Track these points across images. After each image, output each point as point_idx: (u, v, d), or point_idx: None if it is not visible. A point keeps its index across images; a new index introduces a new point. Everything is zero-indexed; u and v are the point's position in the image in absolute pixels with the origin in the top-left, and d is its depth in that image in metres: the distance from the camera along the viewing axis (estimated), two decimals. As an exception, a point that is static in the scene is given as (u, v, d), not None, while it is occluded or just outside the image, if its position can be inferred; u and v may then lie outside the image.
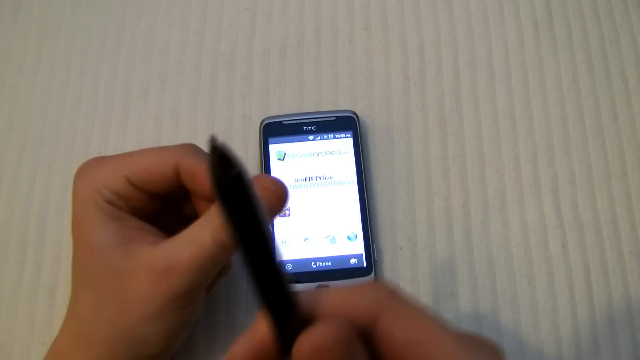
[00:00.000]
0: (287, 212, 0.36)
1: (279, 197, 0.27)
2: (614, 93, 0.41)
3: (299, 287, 0.35)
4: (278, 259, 0.18)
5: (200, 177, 0.29)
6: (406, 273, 0.37)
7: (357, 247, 0.36)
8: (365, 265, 0.35)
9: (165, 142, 0.40)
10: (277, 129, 0.38)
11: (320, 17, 0.43)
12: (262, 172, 0.38)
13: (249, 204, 0.16)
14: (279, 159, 0.38)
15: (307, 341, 0.18)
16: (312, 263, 0.36)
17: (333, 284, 0.35)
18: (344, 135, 0.38)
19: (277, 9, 0.43)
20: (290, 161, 0.37)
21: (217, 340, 0.35)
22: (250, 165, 0.39)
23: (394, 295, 0.20)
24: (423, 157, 0.40)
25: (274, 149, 0.38)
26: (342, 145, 0.38)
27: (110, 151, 0.40)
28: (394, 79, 0.42)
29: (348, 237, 0.36)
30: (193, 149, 0.30)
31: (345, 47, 0.42)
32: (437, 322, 0.19)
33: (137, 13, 0.44)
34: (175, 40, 0.43)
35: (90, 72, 0.42)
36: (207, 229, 0.27)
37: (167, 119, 0.41)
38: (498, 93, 0.41)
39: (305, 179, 0.37)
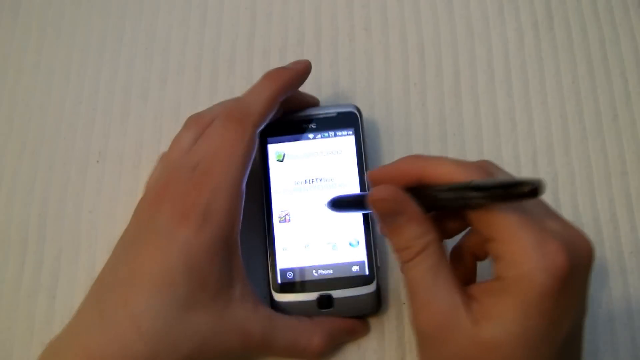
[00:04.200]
0: (287, 217, 0.35)
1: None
2: (614, 93, 0.41)
3: (299, 297, 0.34)
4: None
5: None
6: (406, 273, 0.37)
7: (359, 254, 0.35)
8: (367, 273, 0.34)
9: (165, 142, 0.40)
10: (275, 128, 0.37)
11: (320, 17, 0.43)
12: (261, 174, 0.36)
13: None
14: (278, 160, 0.36)
15: (371, 193, 0.28)
16: (314, 271, 0.34)
17: (335, 293, 0.34)
18: (345, 133, 0.36)
19: (277, 9, 0.43)
20: (290, 162, 0.36)
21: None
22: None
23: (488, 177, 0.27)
24: (423, 157, 0.40)
25: (273, 149, 0.36)
26: (343, 144, 0.36)
27: (110, 151, 0.40)
28: (394, 79, 0.42)
29: (350, 244, 0.35)
30: None
31: (345, 47, 0.42)
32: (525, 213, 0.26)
33: (137, 13, 0.44)
34: (175, 40, 0.43)
35: (90, 72, 0.42)
36: (304, 342, 0.32)
37: (167, 119, 0.41)
38: (498, 93, 0.41)
39: (306, 182, 0.36)
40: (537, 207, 0.27)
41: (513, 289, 0.24)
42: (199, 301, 0.29)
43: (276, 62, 0.42)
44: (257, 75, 0.42)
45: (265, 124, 0.33)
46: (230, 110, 0.32)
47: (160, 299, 0.28)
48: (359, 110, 0.37)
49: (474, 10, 0.43)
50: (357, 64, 0.42)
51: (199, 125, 0.33)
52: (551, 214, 0.27)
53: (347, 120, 0.37)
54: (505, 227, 0.25)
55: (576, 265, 0.24)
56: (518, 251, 0.24)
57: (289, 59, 0.42)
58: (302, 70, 0.35)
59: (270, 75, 0.34)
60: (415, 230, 0.27)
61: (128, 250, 0.30)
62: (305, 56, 0.42)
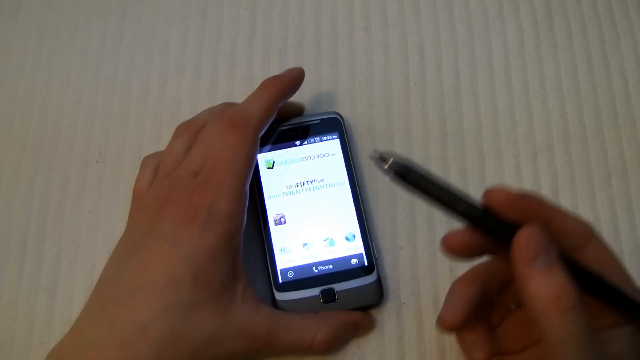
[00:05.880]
0: (282, 219, 0.36)
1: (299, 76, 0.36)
2: (614, 93, 0.41)
3: (302, 293, 0.34)
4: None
5: None
6: (406, 273, 0.37)
7: (356, 247, 0.36)
8: (367, 263, 0.35)
9: (165, 142, 0.40)
10: (263, 138, 0.36)
11: (320, 17, 0.43)
12: (252, 181, 0.36)
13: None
14: (268, 168, 0.37)
15: (526, 231, 0.25)
16: (314, 268, 0.35)
17: (337, 286, 0.34)
18: (330, 137, 0.38)
19: (277, 9, 0.43)
20: (280, 168, 0.37)
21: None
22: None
23: (597, 233, 0.27)
24: (423, 157, 0.40)
25: (262, 157, 0.37)
26: (330, 147, 0.38)
27: (111, 151, 0.40)
28: (394, 79, 0.42)
29: (346, 238, 0.36)
30: None
31: (345, 47, 0.42)
32: (622, 265, 0.27)
33: (137, 13, 0.44)
34: (175, 40, 0.43)
35: (90, 72, 0.42)
36: (310, 336, 0.32)
37: (167, 119, 0.41)
38: (498, 93, 0.41)
39: (297, 185, 0.37)
40: None
41: None
42: (202, 301, 0.29)
43: (276, 62, 0.42)
44: (257, 75, 0.42)
45: (265, 129, 0.34)
46: (231, 116, 0.33)
47: (164, 301, 0.28)
48: (340, 115, 0.39)
49: (474, 10, 0.43)
50: (357, 64, 0.42)
51: (190, 132, 0.34)
52: None
53: (331, 125, 0.38)
54: None
55: None
56: None
57: (289, 58, 0.42)
58: (297, 77, 0.36)
59: (266, 83, 0.35)
60: (565, 270, 0.24)
61: (130, 259, 0.30)
62: (305, 56, 0.42)
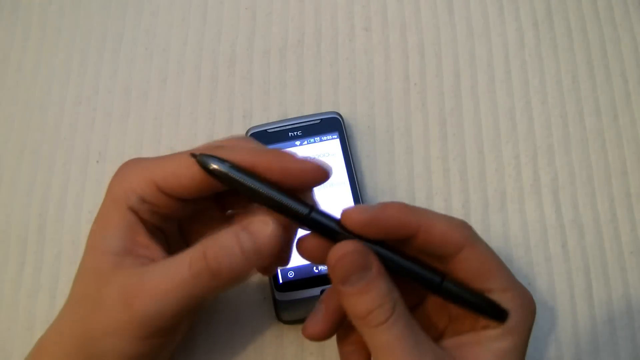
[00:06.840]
0: None
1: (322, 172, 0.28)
2: (614, 93, 0.41)
3: (303, 293, 0.34)
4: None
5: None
6: (406, 273, 0.37)
7: None
8: None
9: (165, 142, 0.40)
10: (263, 138, 0.37)
11: (320, 17, 0.43)
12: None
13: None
14: None
15: (337, 250, 0.25)
16: (314, 268, 0.35)
17: None
18: (330, 137, 0.38)
19: (277, 9, 0.43)
20: None
21: (218, 341, 0.35)
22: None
23: (476, 236, 0.27)
24: (423, 157, 0.40)
25: None
26: (330, 147, 0.38)
27: (110, 151, 0.40)
28: (394, 79, 0.42)
29: None
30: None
31: (345, 47, 0.42)
32: (500, 269, 0.27)
33: (137, 13, 0.44)
34: (175, 40, 0.43)
35: (90, 72, 0.42)
36: (186, 260, 0.26)
37: (167, 119, 0.41)
38: (498, 93, 0.41)
39: None
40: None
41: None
42: (93, 266, 0.28)
43: (276, 62, 0.42)
44: (257, 75, 0.42)
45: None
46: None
47: (82, 267, 0.29)
48: (340, 115, 0.39)
49: (474, 10, 0.43)
50: (357, 64, 0.42)
51: None
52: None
53: (331, 125, 0.38)
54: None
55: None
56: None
57: (289, 58, 0.42)
58: (300, 169, 0.27)
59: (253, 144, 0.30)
60: (387, 286, 0.25)
61: None
62: (305, 56, 0.42)
